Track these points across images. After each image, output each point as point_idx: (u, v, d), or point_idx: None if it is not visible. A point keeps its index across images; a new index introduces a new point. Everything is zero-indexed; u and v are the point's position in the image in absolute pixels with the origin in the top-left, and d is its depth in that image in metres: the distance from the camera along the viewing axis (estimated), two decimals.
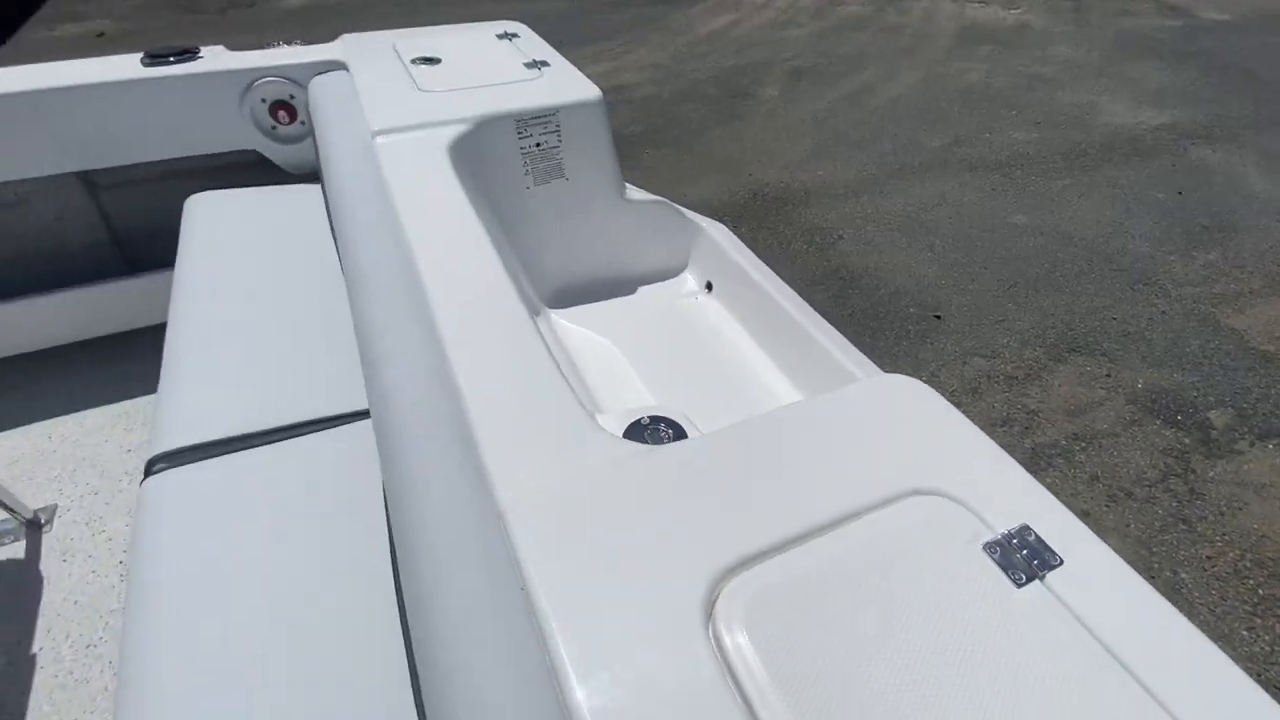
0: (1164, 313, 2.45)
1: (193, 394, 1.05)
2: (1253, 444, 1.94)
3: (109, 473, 1.53)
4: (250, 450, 0.96)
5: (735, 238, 1.29)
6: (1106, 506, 1.78)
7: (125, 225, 1.71)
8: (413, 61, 1.45)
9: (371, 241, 0.94)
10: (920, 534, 0.56)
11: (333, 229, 1.28)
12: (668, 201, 1.37)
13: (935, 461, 0.62)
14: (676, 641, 0.48)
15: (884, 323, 2.39)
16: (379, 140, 1.16)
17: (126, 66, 1.49)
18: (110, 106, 1.47)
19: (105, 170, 1.60)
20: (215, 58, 1.55)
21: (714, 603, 0.50)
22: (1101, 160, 3.46)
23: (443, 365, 0.73)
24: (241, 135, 1.59)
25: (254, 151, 1.63)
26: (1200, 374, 2.18)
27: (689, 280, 1.41)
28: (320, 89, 1.44)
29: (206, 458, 0.95)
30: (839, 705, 0.45)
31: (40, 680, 1.18)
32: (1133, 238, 2.86)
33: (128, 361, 1.75)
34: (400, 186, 1.04)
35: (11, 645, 1.23)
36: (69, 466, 1.55)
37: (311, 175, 1.65)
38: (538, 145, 1.29)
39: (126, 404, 1.68)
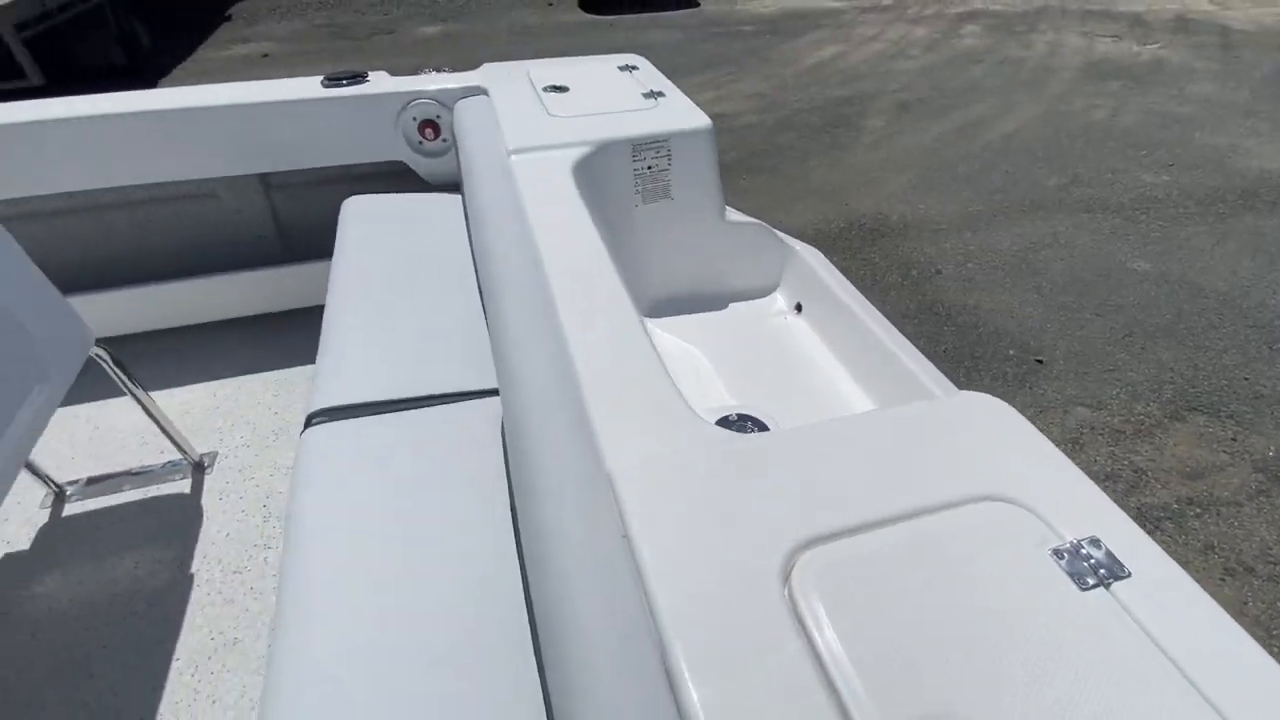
0: None
1: (346, 363, 1.22)
2: None
3: (260, 429, 1.77)
4: (393, 414, 1.11)
5: (828, 263, 1.32)
6: (1221, 580, 1.64)
7: (289, 220, 1.97)
8: (545, 89, 1.60)
9: (506, 245, 1.07)
10: (989, 534, 0.58)
11: (469, 232, 1.44)
12: (765, 225, 1.43)
13: (1010, 472, 0.64)
14: (756, 598, 0.54)
15: (980, 363, 2.31)
16: (514, 158, 1.30)
17: (310, 87, 1.74)
18: (293, 119, 1.72)
19: (279, 173, 1.85)
20: (379, 82, 1.78)
21: (790, 570, 0.56)
22: (1242, 207, 3.18)
23: (563, 353, 0.83)
24: (392, 148, 1.80)
25: (401, 163, 1.85)
26: None
27: (779, 300, 1.45)
28: (464, 111, 1.62)
29: (356, 416, 1.10)
30: (897, 671, 0.50)
31: (195, 596, 1.39)
32: (1275, 292, 2.61)
33: (282, 337, 2.01)
34: (531, 198, 1.17)
35: (175, 565, 1.44)
36: (228, 421, 1.79)
37: (450, 186, 1.85)
38: (649, 168, 1.39)
39: (278, 373, 1.92)
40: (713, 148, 1.43)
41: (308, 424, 1.11)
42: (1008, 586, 0.54)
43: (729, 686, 0.48)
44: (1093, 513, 0.61)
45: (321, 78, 1.76)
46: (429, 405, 1.13)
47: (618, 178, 1.38)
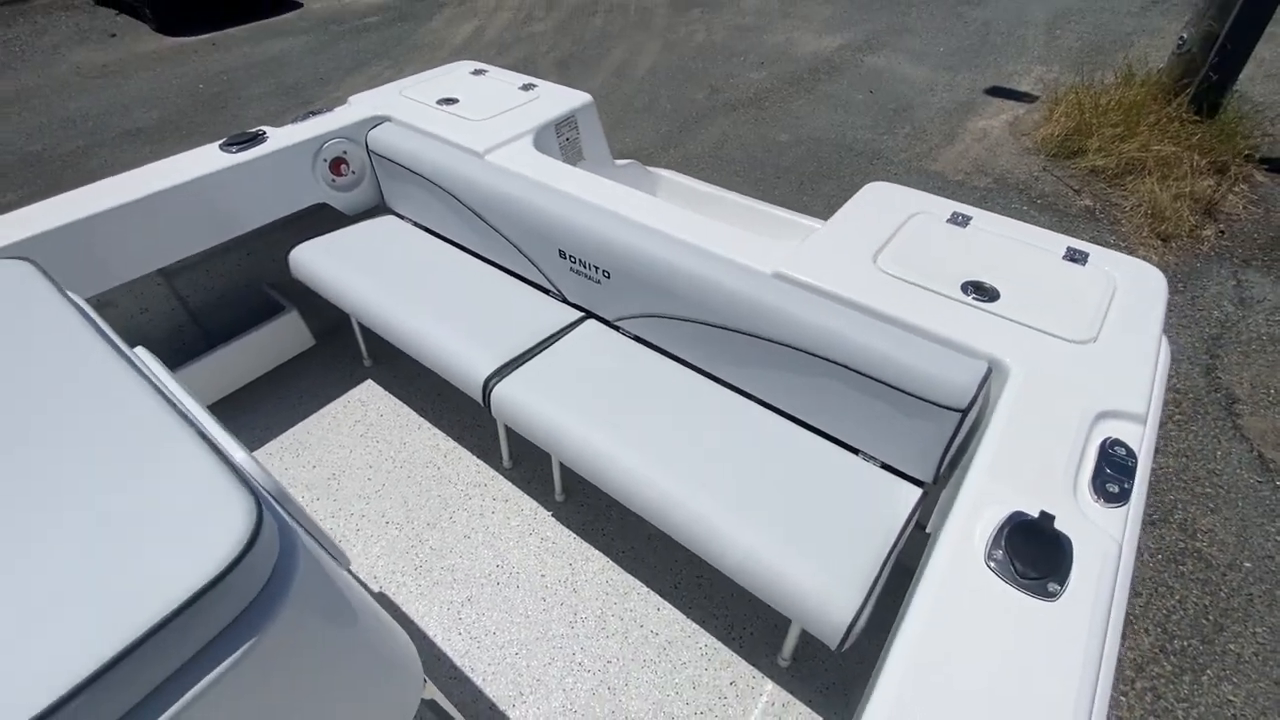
0: (895, 175, 3.49)
1: (462, 343, 1.42)
2: None
3: (317, 488, 1.68)
4: (529, 361, 1.37)
5: (689, 176, 1.83)
6: None
7: (200, 303, 1.80)
8: (438, 103, 1.79)
9: (551, 209, 1.39)
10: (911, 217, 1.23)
11: (434, 231, 1.72)
12: (637, 162, 1.86)
13: (913, 207, 1.29)
14: (856, 268, 1.12)
15: None
16: (489, 156, 1.57)
17: (212, 158, 1.59)
18: (202, 196, 1.56)
19: (180, 260, 1.66)
20: (280, 134, 1.71)
21: (877, 258, 1.13)
22: (814, 81, 4.54)
23: (671, 239, 1.28)
24: (313, 192, 1.78)
25: (320, 204, 1.83)
26: None
27: None
28: (382, 138, 1.75)
29: (511, 371, 1.35)
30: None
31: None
32: (857, 129, 3.91)
33: (252, 413, 1.86)
34: (533, 173, 1.49)
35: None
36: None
37: (364, 212, 1.91)
38: (567, 139, 1.73)
39: (278, 441, 1.80)
40: (597, 114, 1.84)
41: (488, 387, 1.33)
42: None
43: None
44: (956, 206, 1.30)
45: (217, 145, 1.64)
46: (545, 348, 1.41)
47: (550, 152, 1.68)
